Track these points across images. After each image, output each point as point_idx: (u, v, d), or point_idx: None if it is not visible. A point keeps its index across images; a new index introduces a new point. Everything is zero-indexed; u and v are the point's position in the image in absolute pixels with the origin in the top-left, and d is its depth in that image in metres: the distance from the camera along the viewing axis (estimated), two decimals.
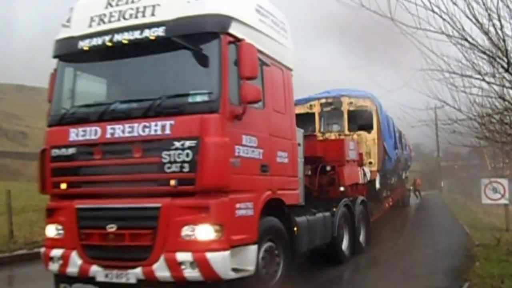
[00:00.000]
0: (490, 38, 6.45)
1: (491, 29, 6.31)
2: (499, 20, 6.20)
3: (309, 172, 11.12)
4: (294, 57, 9.17)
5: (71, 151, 7.21)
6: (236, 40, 6.99)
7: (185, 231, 6.49)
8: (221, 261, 6.42)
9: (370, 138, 15.90)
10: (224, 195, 6.67)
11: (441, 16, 6.32)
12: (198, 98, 6.77)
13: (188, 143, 6.48)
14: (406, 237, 16.16)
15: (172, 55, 7.04)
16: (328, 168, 11.40)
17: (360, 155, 14.45)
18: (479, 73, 7.07)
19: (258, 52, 7.30)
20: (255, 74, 6.96)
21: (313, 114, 16.36)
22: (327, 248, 10.23)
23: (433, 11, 6.28)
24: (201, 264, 6.39)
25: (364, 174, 14.42)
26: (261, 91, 7.26)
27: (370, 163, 15.82)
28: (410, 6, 6.23)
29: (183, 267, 6.44)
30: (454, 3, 6.25)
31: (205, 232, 6.46)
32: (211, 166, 6.46)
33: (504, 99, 7.57)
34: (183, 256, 6.45)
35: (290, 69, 9.03)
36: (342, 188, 11.67)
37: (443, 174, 57.98)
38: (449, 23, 6.35)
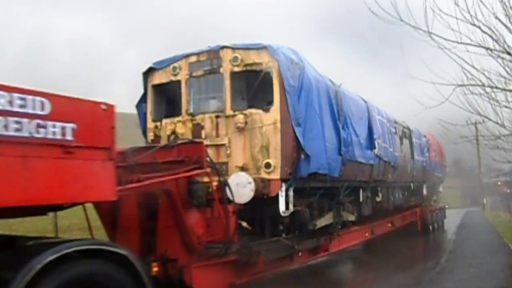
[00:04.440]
0: None
1: None
2: None
3: None
4: None
5: None
6: None
7: None
8: None
9: (267, 120, 7.76)
10: None
11: (480, 28, 5.89)
12: None
13: None
14: (449, 256, 13.68)
15: None
16: None
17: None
18: None
19: None
20: None
21: (179, 83, 8.45)
22: None
23: (474, 24, 5.88)
24: None
25: (221, 184, 6.29)
26: None
27: (268, 165, 7.60)
28: (449, 19, 5.84)
29: None
30: (496, 17, 5.87)
31: None
32: None
33: None
34: None
35: None
36: None
37: (485, 190, 49.33)
38: (490, 36, 5.98)
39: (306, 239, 8.85)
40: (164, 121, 8.63)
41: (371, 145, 12.17)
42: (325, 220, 9.36)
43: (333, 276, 11.70)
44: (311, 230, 8.98)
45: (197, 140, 6.76)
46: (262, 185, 7.46)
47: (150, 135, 8.66)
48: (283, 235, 8.41)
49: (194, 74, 8.33)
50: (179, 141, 6.07)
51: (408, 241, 17.31)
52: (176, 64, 8.48)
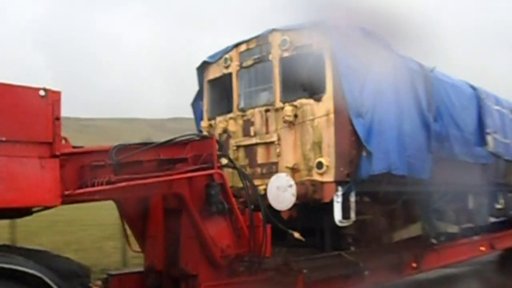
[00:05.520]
0: None
1: None
2: None
3: None
4: None
5: None
6: None
7: None
8: None
9: (319, 111, 6.39)
10: None
11: None
12: None
13: None
14: None
15: None
16: None
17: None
18: None
19: None
20: None
21: (231, 75, 7.52)
22: None
23: None
24: None
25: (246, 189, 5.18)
26: None
27: (319, 165, 6.24)
28: None
29: None
30: None
31: None
32: None
33: None
34: None
35: None
36: None
37: None
38: None
39: (384, 254, 7.22)
40: (218, 118, 7.73)
41: (482, 140, 9.95)
42: (408, 232, 7.60)
43: None
44: (392, 244, 7.34)
45: (208, 135, 5.72)
46: (312, 189, 6.12)
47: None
48: (352, 248, 6.93)
49: (244, 64, 7.28)
50: (178, 138, 5.03)
51: None
52: (227, 56, 7.52)
